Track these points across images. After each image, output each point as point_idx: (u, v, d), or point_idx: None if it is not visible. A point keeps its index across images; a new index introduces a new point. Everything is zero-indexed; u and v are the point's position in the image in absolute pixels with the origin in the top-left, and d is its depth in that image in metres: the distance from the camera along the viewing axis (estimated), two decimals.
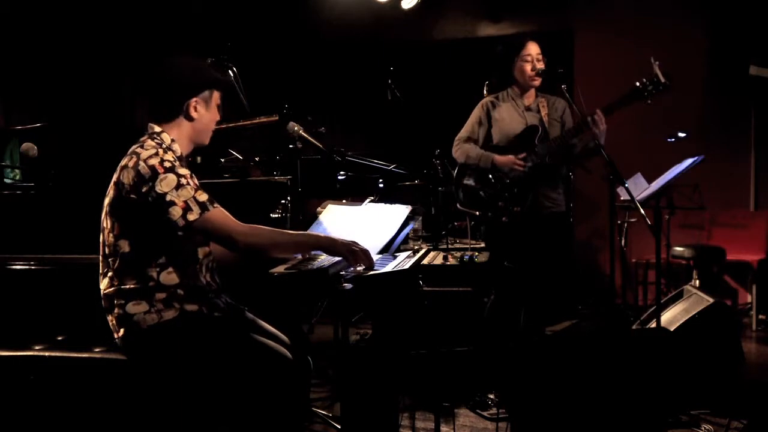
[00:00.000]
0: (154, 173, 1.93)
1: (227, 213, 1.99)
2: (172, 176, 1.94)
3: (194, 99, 2.09)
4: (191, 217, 1.92)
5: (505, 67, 3.54)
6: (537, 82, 3.48)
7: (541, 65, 3.46)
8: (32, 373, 2.13)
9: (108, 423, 2.10)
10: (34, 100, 5.61)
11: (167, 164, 1.96)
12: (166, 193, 1.92)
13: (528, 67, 3.45)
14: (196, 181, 2.01)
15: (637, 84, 3.21)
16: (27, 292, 2.65)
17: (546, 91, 3.60)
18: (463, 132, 3.65)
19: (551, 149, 3.38)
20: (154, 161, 1.95)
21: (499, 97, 3.60)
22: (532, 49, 3.46)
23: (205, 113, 2.13)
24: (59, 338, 2.33)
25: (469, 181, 3.55)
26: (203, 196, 1.96)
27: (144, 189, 1.93)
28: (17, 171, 3.67)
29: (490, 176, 3.49)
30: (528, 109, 3.52)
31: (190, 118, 2.10)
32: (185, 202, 1.93)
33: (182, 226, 1.93)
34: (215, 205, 1.97)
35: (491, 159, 3.47)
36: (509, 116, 3.53)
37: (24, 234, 2.83)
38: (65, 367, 2.13)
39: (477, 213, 3.45)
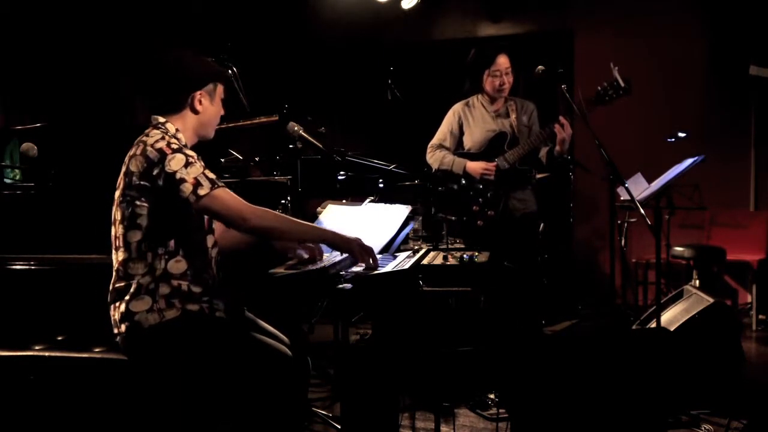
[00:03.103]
0: (162, 155, 1.96)
1: (234, 193, 2.02)
2: (180, 155, 1.97)
3: (199, 92, 2.11)
4: (202, 192, 1.94)
5: (477, 73, 3.61)
6: (505, 93, 3.58)
7: (509, 78, 3.54)
8: (32, 373, 2.13)
9: (108, 423, 2.10)
10: (34, 100, 5.60)
11: (174, 146, 2.00)
12: (176, 172, 1.94)
13: (497, 82, 3.54)
14: (203, 163, 2.03)
15: (599, 88, 3.27)
16: (27, 292, 2.65)
17: (546, 90, 3.63)
18: (436, 139, 3.73)
19: (520, 154, 3.47)
20: (162, 144, 1.99)
21: (469, 103, 3.69)
22: (502, 63, 3.53)
23: (209, 106, 2.15)
24: (59, 338, 2.33)
25: (444, 187, 3.61)
26: (212, 174, 2.00)
27: (155, 172, 1.95)
28: (17, 171, 3.67)
29: (464, 182, 3.56)
30: (498, 114, 3.60)
31: (195, 111, 2.13)
32: (195, 178, 1.95)
33: (193, 201, 1.94)
34: (222, 183, 2.01)
35: (463, 165, 3.56)
36: (480, 123, 3.61)
37: (24, 234, 2.82)
38: (65, 367, 2.13)
39: (453, 218, 3.50)
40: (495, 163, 3.49)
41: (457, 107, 3.69)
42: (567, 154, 3.45)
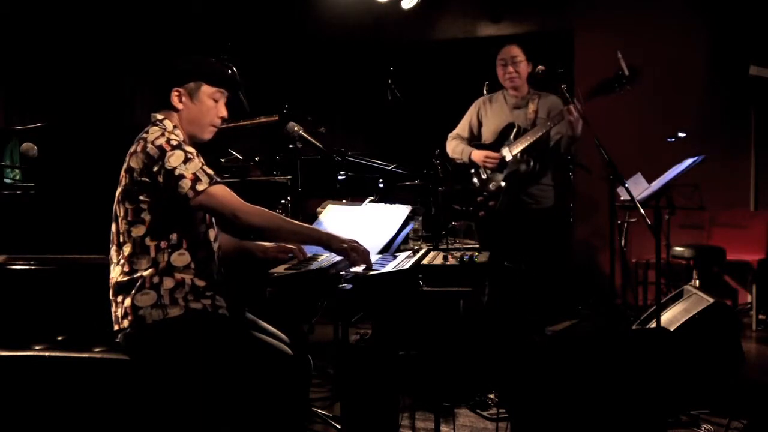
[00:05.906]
0: (162, 152, 1.98)
1: (230, 191, 2.03)
2: (179, 152, 1.99)
3: (177, 89, 2.11)
4: (200, 187, 1.96)
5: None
6: (514, 83, 3.58)
7: (517, 68, 3.55)
8: (32, 373, 2.13)
9: (108, 423, 2.10)
10: (34, 100, 5.60)
11: (174, 142, 2.01)
12: (175, 168, 1.96)
13: (501, 72, 3.59)
14: (202, 159, 2.04)
15: (604, 79, 3.30)
16: (27, 292, 2.65)
17: (547, 90, 3.63)
18: (456, 129, 3.84)
19: (526, 144, 3.49)
20: (161, 141, 2.00)
21: (492, 97, 3.76)
22: (506, 51, 3.57)
23: (190, 104, 2.12)
24: (59, 338, 2.33)
25: (458, 178, 3.69)
26: (210, 171, 2.02)
27: (155, 168, 1.97)
28: (17, 171, 3.67)
29: (471, 171, 3.59)
30: (516, 107, 3.60)
31: (174, 108, 2.12)
32: (194, 174, 1.97)
33: (191, 197, 1.96)
34: (219, 180, 2.03)
35: (469, 154, 3.63)
36: (497, 115, 3.67)
37: (24, 234, 2.82)
38: (65, 367, 2.13)
39: (462, 208, 3.54)
40: (498, 153, 3.53)
41: (479, 101, 3.79)
42: (576, 138, 3.42)
